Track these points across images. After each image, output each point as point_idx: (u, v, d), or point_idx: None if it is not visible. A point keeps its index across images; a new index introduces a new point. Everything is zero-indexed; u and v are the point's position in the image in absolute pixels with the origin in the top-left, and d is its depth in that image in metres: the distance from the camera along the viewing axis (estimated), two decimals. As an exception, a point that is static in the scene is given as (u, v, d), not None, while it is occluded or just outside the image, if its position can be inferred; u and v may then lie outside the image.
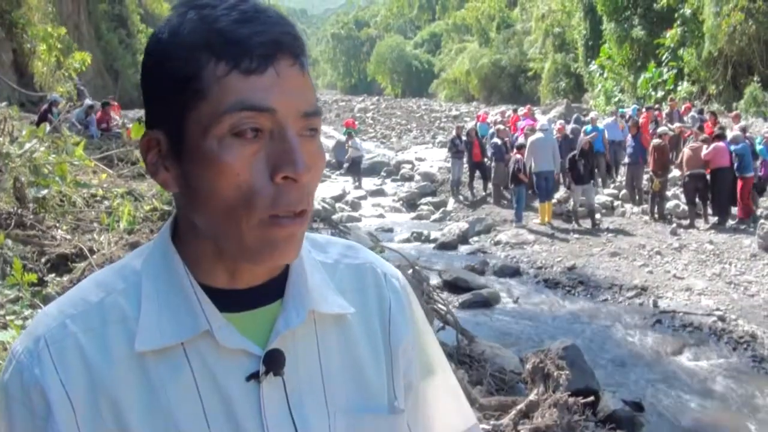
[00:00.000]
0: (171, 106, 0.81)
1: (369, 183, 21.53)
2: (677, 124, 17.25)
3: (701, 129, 14.43)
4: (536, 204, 14.49)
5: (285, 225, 0.80)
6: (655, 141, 13.88)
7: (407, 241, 13.83)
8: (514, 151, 14.68)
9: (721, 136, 13.08)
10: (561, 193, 15.12)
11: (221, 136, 0.78)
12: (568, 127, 17.15)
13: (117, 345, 0.83)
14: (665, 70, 26.51)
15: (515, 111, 22.72)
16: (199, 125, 0.79)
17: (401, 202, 18.66)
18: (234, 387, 0.85)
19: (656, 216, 13.57)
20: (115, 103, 20.81)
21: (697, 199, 12.97)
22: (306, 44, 0.86)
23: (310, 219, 0.86)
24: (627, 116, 18.25)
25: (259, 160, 0.79)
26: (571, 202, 14.01)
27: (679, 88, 25.44)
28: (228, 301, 0.87)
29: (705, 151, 12.68)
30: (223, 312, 0.86)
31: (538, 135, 14.12)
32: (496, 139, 16.42)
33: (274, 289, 0.90)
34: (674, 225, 12.95)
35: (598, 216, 13.65)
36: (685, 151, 13.19)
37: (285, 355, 0.87)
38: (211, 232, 0.83)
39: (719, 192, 12.73)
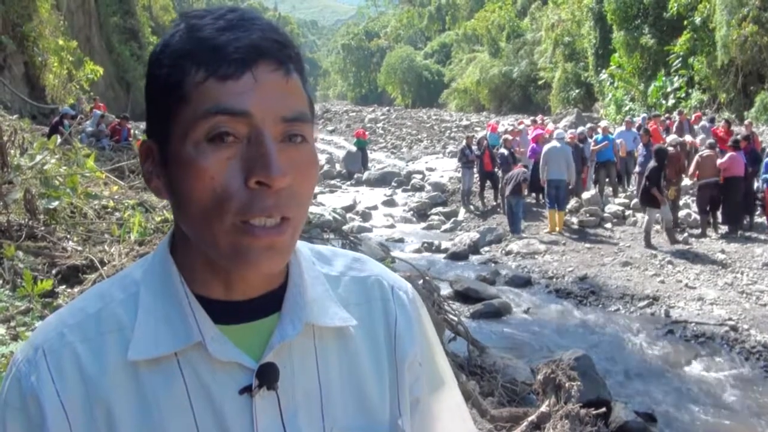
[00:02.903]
0: (160, 114, 0.83)
1: (380, 193, 21.55)
2: (688, 137, 17.11)
3: (712, 146, 14.22)
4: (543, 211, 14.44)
5: (259, 235, 0.79)
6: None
7: (418, 251, 13.82)
8: (518, 165, 14.67)
9: (737, 146, 12.99)
10: (573, 203, 15.07)
11: (198, 140, 0.79)
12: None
13: (113, 355, 0.83)
14: (676, 78, 26.45)
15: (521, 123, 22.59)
16: (180, 131, 0.81)
17: (412, 212, 18.63)
18: (227, 400, 0.84)
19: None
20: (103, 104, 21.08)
21: (707, 208, 12.90)
22: (298, 51, 0.86)
23: (299, 228, 0.84)
24: (637, 124, 18.22)
25: (234, 165, 0.79)
26: (660, 220, 12.73)
27: (689, 97, 25.37)
28: (225, 312, 0.87)
29: (720, 160, 12.60)
30: (220, 324, 0.86)
31: (554, 144, 14.11)
32: (503, 149, 16.40)
33: (272, 302, 0.90)
34: (686, 234, 12.86)
35: (658, 230, 12.80)
36: (697, 160, 13.11)
37: (279, 369, 0.86)
38: (194, 239, 0.84)
39: (731, 201, 12.66)
